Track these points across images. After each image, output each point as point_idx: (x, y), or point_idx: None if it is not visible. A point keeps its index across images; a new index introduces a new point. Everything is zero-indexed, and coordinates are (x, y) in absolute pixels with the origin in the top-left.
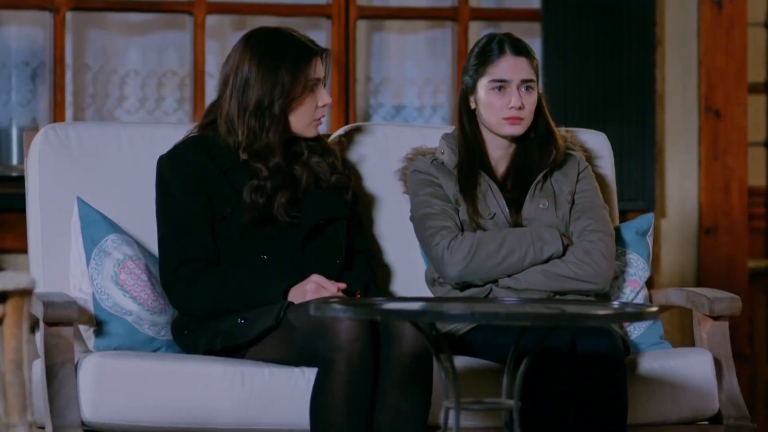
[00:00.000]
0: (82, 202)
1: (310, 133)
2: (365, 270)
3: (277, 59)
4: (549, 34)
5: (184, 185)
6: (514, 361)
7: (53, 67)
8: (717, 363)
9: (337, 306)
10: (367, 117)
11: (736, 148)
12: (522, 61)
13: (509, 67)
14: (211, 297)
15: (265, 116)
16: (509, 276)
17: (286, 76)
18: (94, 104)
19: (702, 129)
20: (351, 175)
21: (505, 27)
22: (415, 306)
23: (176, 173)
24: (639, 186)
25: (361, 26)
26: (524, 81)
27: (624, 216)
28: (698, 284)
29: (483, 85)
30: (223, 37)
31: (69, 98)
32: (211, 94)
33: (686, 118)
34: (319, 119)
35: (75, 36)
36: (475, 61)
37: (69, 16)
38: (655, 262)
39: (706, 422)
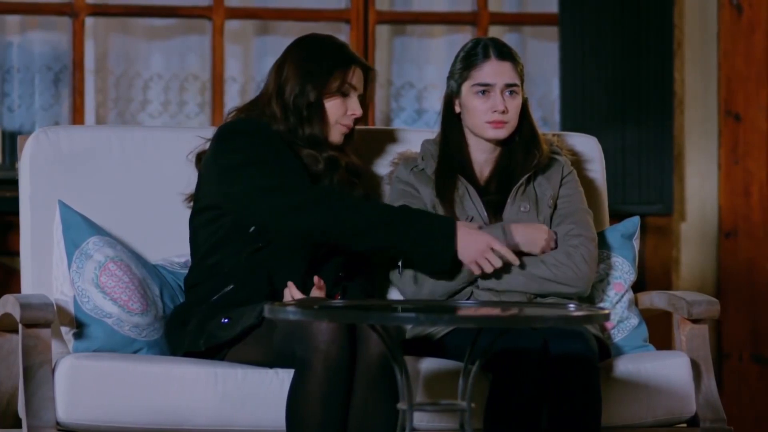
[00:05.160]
0: (63, 205)
1: (334, 137)
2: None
3: (320, 56)
4: (567, 37)
5: (278, 144)
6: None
7: (73, 72)
8: (695, 366)
9: (289, 308)
10: (388, 121)
11: (757, 152)
12: (506, 65)
13: (493, 71)
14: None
15: (302, 107)
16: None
17: (324, 70)
18: (117, 108)
19: (722, 132)
20: (369, 192)
21: (525, 31)
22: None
23: (266, 134)
24: (658, 189)
25: (383, 30)
26: (508, 85)
27: (643, 219)
28: (718, 287)
29: (467, 89)
30: (246, 42)
31: (92, 102)
32: (231, 98)
33: (706, 122)
34: (346, 126)
35: (98, 41)
36: (460, 65)
37: (92, 21)
38: (674, 266)
39: (684, 425)
